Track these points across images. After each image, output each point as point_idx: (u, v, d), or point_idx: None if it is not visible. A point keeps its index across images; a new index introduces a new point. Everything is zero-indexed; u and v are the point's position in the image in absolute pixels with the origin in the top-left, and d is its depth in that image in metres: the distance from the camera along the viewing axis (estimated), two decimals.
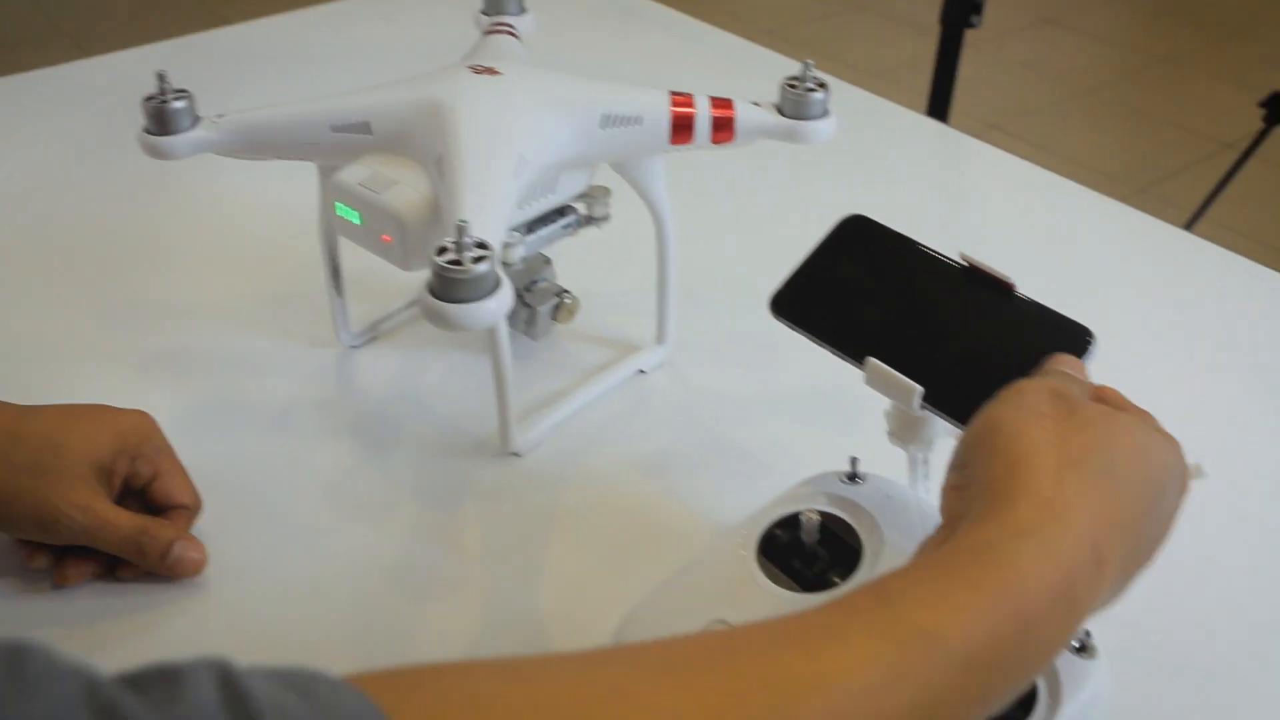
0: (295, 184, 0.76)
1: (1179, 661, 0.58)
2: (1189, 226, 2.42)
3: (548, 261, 0.75)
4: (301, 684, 0.27)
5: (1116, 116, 2.98)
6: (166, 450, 0.62)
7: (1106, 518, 0.39)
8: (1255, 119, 2.06)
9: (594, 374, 0.74)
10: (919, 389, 0.49)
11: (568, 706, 0.29)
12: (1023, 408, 0.42)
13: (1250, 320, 0.84)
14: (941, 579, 0.36)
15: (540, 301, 0.73)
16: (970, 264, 0.52)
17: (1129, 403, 0.45)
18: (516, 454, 0.69)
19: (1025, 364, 0.47)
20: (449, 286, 0.52)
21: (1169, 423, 0.45)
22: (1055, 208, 0.98)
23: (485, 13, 0.79)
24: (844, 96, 1.13)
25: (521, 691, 0.29)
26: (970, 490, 0.41)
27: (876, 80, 1.86)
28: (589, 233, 0.72)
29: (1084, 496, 0.39)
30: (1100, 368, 0.48)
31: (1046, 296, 0.51)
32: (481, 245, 0.53)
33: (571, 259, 0.75)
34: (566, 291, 0.75)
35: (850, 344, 0.52)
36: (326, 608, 0.60)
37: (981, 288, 0.52)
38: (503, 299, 0.53)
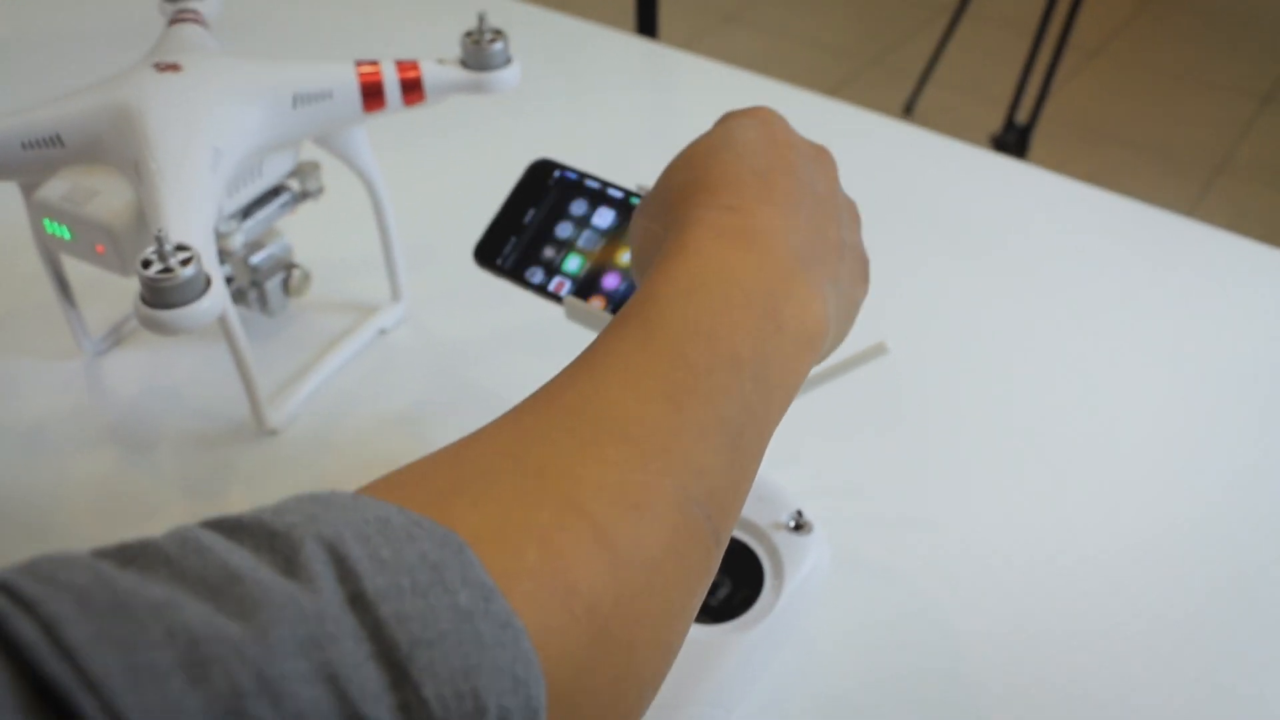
0: None
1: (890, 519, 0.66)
2: (917, 92, 2.56)
3: (279, 236, 0.76)
4: (406, 528, 0.29)
5: None
6: None
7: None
8: None
9: (338, 341, 0.77)
10: (611, 319, 0.54)
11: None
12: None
13: (962, 198, 0.92)
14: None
15: (267, 277, 0.75)
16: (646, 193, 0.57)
17: None
18: (274, 431, 0.72)
19: None
20: (160, 294, 0.54)
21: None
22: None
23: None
24: (550, 25, 1.17)
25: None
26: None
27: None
28: (307, 205, 0.74)
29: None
30: None
31: None
32: (182, 248, 0.55)
33: (296, 232, 0.77)
34: (295, 265, 0.77)
35: (549, 285, 0.56)
36: None
37: None
38: (215, 297, 0.55)
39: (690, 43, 2.79)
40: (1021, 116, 2.04)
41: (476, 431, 0.36)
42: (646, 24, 1.66)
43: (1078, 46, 2.71)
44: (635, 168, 0.93)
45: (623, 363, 0.37)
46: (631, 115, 1.05)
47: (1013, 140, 1.91)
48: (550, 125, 1.01)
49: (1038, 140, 2.04)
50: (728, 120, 0.47)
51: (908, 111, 2.54)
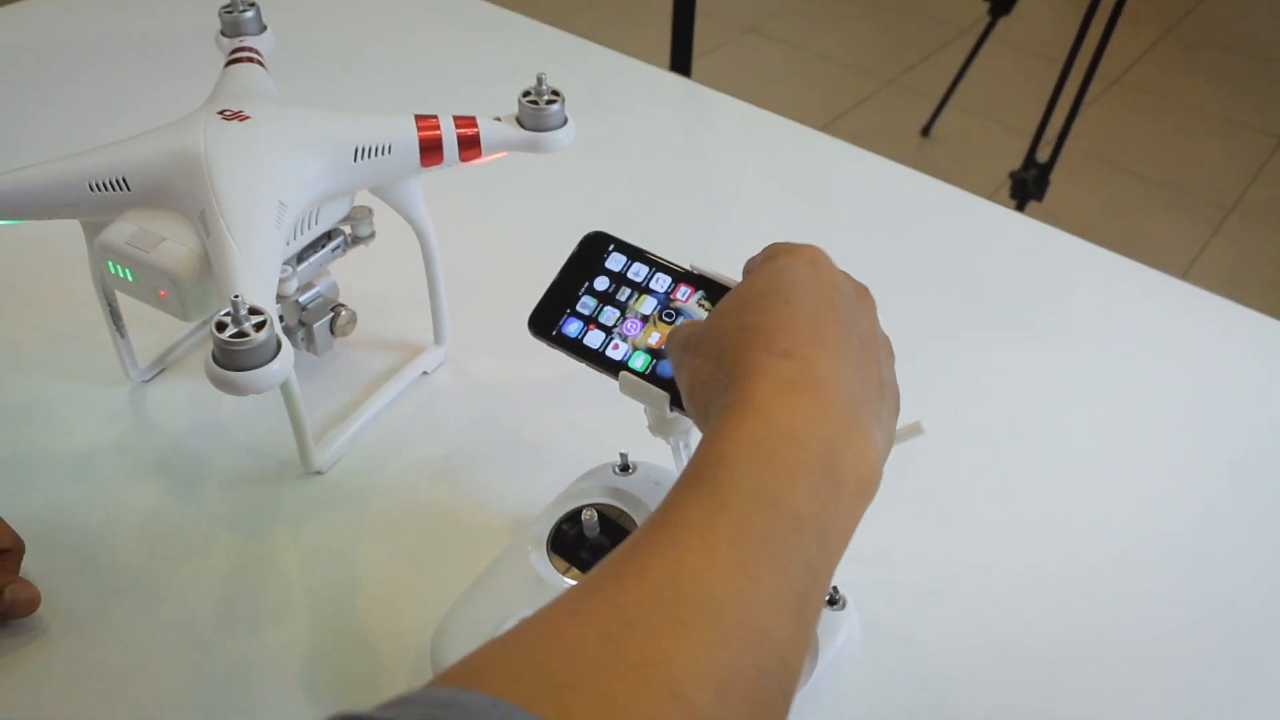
0: None
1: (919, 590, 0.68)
2: (936, 115, 2.57)
3: (326, 273, 0.78)
4: None
5: (861, 9, 3.10)
6: None
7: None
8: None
9: (381, 381, 0.79)
10: (667, 396, 0.56)
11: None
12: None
13: (971, 250, 0.94)
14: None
15: (315, 318, 0.77)
16: (699, 273, 0.59)
17: None
18: (319, 472, 0.73)
19: None
20: (233, 357, 0.55)
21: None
22: (785, 153, 1.07)
23: (225, 34, 0.80)
24: (592, 56, 1.19)
25: None
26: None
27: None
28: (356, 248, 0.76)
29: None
30: None
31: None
32: (256, 311, 0.56)
33: (343, 269, 0.78)
34: (343, 305, 0.78)
35: (604, 358, 0.58)
36: (162, 651, 0.63)
37: (714, 293, 0.59)
38: (285, 359, 0.57)
39: (710, 53, 2.80)
40: (1041, 153, 2.05)
41: (575, 605, 0.39)
42: (681, 54, 1.67)
43: (1096, 75, 2.73)
44: (671, 211, 0.95)
45: (699, 533, 0.40)
46: (668, 155, 1.07)
47: (1032, 178, 1.92)
48: (588, 164, 1.03)
49: None
50: (777, 260, 0.50)
51: (925, 134, 2.55)
